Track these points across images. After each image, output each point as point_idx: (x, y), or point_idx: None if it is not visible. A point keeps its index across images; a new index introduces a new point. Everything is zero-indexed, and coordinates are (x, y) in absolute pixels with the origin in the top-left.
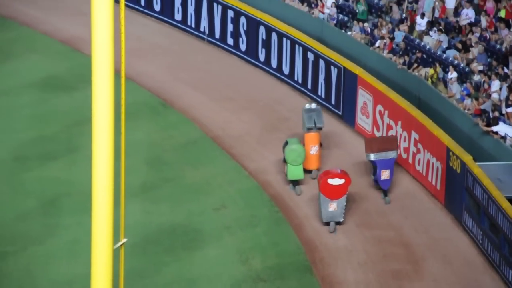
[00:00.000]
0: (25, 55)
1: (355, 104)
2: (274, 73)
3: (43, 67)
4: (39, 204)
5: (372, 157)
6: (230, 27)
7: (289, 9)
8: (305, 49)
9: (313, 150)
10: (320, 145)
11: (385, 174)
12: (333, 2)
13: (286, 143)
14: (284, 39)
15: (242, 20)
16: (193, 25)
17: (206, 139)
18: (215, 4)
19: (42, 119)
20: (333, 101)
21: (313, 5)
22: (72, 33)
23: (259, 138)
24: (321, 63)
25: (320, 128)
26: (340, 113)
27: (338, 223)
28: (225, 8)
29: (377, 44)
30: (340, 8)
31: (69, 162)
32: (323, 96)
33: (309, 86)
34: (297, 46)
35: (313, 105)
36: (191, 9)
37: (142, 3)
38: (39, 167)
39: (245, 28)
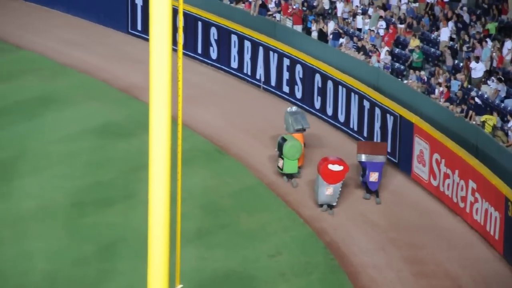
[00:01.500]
0: (85, 102)
1: (412, 152)
2: (329, 120)
3: (101, 114)
4: (95, 250)
5: (363, 158)
6: (286, 75)
7: (344, 58)
8: (361, 97)
9: None
10: (304, 145)
11: (373, 176)
12: (388, 51)
13: (283, 139)
14: (340, 87)
15: (298, 68)
16: (249, 73)
17: (261, 185)
18: (271, 53)
19: (99, 165)
20: (388, 149)
21: (369, 53)
22: (130, 81)
23: (314, 184)
24: (377, 111)
25: (305, 130)
26: (396, 161)
27: (331, 206)
28: (281, 56)
29: (436, 93)
30: (395, 57)
31: (126, 208)
32: None
33: (365, 134)
34: (352, 94)
35: (294, 108)
36: (247, 57)
37: (199, 51)
38: (96, 212)
39: (301, 76)
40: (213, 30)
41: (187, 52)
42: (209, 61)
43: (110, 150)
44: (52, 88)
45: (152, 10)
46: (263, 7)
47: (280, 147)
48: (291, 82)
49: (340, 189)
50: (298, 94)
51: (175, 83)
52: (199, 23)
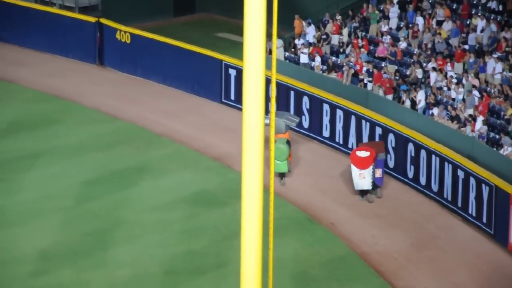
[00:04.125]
0: (178, 171)
1: (508, 223)
2: (423, 190)
3: (194, 183)
4: None
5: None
6: None
7: (438, 127)
8: (455, 167)
9: None
10: (289, 143)
11: (378, 173)
12: (483, 120)
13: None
14: (433, 156)
15: (391, 137)
16: (341, 142)
17: (353, 255)
18: (363, 121)
19: (192, 233)
20: (484, 220)
21: (464, 123)
22: (223, 150)
23: (408, 256)
24: (472, 181)
25: (291, 128)
26: (492, 232)
27: (367, 191)
28: (373, 125)
29: None
30: (491, 126)
31: (218, 277)
32: (473, 214)
33: (459, 204)
34: (446, 163)
35: (278, 112)
36: (339, 126)
37: None
38: (188, 281)
39: (393, 145)
40: (305, 99)
41: None
42: (301, 130)
43: (203, 218)
44: (146, 157)
45: (246, 80)
46: (355, 76)
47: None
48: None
49: (372, 173)
50: (391, 163)
51: (266, 152)
52: (291, 93)
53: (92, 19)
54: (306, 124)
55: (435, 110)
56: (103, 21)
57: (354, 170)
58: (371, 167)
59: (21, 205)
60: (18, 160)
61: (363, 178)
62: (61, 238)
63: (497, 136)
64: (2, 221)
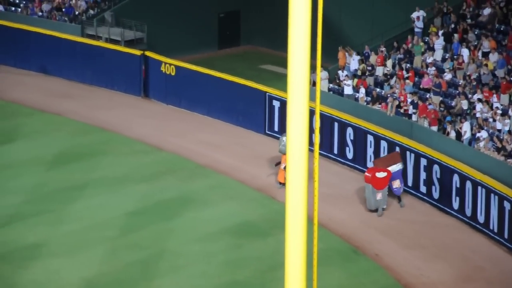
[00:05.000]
0: (222, 202)
1: None
2: (468, 221)
3: (238, 214)
4: None
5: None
6: (422, 175)
7: (484, 158)
8: (501, 198)
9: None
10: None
11: (396, 183)
12: None
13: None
14: (479, 187)
15: (435, 168)
16: None
17: (398, 287)
18: (408, 152)
19: (236, 264)
20: None
21: (510, 153)
22: (266, 181)
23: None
24: None
25: None
26: None
27: (383, 208)
28: (418, 156)
29: None
30: None
31: None
32: None
33: (506, 236)
34: (492, 194)
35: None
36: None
37: (335, 151)
38: None
39: (438, 176)
40: (349, 131)
41: (323, 152)
42: (345, 161)
43: (246, 249)
44: (190, 188)
45: (290, 112)
46: (399, 107)
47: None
48: (428, 182)
49: (387, 192)
50: (435, 195)
51: (311, 183)
52: (335, 124)
53: (137, 52)
54: (350, 155)
55: (481, 141)
56: (148, 53)
57: (373, 191)
58: (387, 187)
59: (67, 235)
60: (64, 191)
61: (380, 198)
62: (106, 268)
63: None
64: (48, 251)
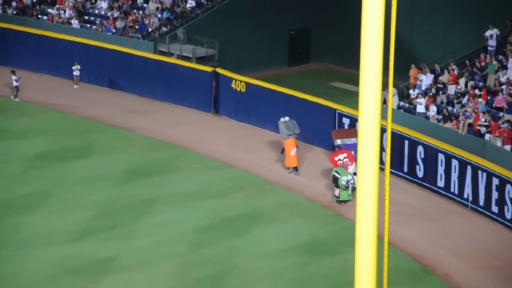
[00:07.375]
0: (290, 219)
1: None
2: None
3: (306, 231)
4: None
5: (339, 142)
6: (494, 195)
7: None
8: None
9: (293, 151)
10: (297, 147)
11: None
12: None
13: (337, 173)
14: None
15: (508, 188)
16: (456, 192)
17: None
18: (479, 172)
19: (303, 281)
20: None
21: None
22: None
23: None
24: None
25: (297, 134)
26: None
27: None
28: (490, 175)
29: None
30: None
31: None
32: None
33: None
34: None
35: (287, 118)
36: (454, 176)
37: (405, 169)
38: None
39: (511, 196)
40: (420, 149)
41: (393, 171)
42: (415, 180)
43: (315, 267)
44: (259, 205)
45: (361, 130)
46: (471, 126)
47: (335, 180)
48: (501, 202)
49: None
50: (508, 215)
51: (381, 202)
52: (406, 142)
53: (208, 69)
54: (420, 173)
55: None
56: (219, 70)
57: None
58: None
59: (137, 250)
60: (135, 206)
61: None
62: (175, 284)
63: None
64: (119, 266)
